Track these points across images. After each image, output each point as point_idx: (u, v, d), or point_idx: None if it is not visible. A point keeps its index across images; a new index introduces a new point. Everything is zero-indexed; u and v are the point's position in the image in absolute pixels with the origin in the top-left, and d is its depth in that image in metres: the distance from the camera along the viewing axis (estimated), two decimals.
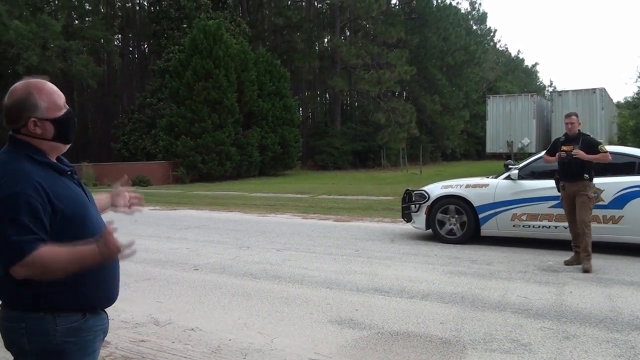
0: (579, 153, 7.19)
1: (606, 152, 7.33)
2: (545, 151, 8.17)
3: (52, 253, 1.98)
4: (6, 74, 35.23)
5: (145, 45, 53.15)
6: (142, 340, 4.76)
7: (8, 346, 2.19)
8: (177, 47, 34.92)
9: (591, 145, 7.32)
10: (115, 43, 48.30)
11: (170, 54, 35.26)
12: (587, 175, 7.24)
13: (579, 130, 7.56)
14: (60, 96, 2.21)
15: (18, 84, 2.18)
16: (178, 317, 5.46)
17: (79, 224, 2.15)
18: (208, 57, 30.37)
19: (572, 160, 7.27)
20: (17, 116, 2.13)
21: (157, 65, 37.59)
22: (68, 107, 2.26)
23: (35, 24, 30.84)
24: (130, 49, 56.62)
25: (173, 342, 4.72)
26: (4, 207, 1.96)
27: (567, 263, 7.44)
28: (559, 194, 8.40)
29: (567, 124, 7.59)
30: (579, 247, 7.30)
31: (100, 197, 2.61)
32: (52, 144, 2.19)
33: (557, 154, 7.51)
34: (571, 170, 7.33)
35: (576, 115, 7.64)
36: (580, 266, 7.14)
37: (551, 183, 8.41)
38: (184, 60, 31.32)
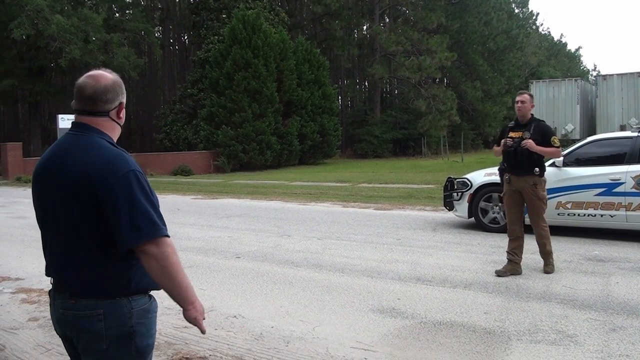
0: (528, 143, 6.20)
1: (559, 146, 6.42)
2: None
3: (177, 255, 2.13)
4: (49, 67, 36.04)
5: (186, 37, 53.74)
6: (185, 327, 4.82)
7: (75, 336, 2.20)
8: (216, 37, 35.13)
9: (544, 135, 6.33)
10: (156, 35, 48.86)
11: (210, 45, 35.49)
12: (537, 169, 6.27)
13: (531, 115, 6.52)
14: None
15: (102, 71, 2.28)
16: (220, 304, 5.53)
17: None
18: (247, 47, 30.47)
19: (519, 150, 6.28)
20: (113, 97, 2.25)
21: (197, 56, 37.91)
22: None
23: (77, 17, 31.34)
24: (171, 40, 57.34)
25: (216, 329, 4.78)
26: (131, 183, 2.07)
27: (499, 274, 6.35)
28: (601, 181, 8.18)
29: (517, 102, 6.45)
30: (516, 255, 6.42)
31: None
32: (119, 131, 2.35)
33: (503, 141, 6.47)
34: (517, 162, 6.33)
35: (530, 95, 6.54)
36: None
37: (597, 170, 8.24)
38: (224, 50, 31.49)
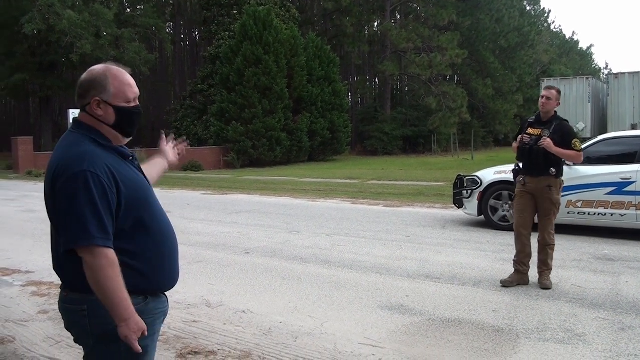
0: (545, 142, 5.66)
1: (580, 150, 5.89)
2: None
3: (115, 269, 2.02)
4: (61, 62, 36.17)
5: (196, 32, 53.87)
6: (194, 321, 4.86)
7: (68, 327, 2.26)
8: (227, 33, 35.16)
9: (564, 136, 5.79)
10: (167, 30, 48.94)
11: (220, 41, 35.53)
12: (553, 170, 5.74)
13: (555, 112, 5.96)
14: (132, 90, 2.26)
15: (98, 65, 2.26)
16: (229, 299, 5.55)
17: (141, 208, 2.21)
18: (258, 43, 30.46)
19: (535, 148, 5.76)
20: (84, 92, 2.20)
21: (207, 52, 37.94)
22: (139, 105, 2.31)
23: (88, 13, 31.44)
24: (182, 36, 57.42)
25: (224, 324, 4.80)
26: (75, 185, 2.00)
27: (505, 284, 5.87)
28: (611, 180, 8.12)
29: (542, 97, 5.88)
30: (524, 265, 5.92)
31: (155, 161, 2.76)
32: (112, 131, 2.24)
33: (519, 137, 5.99)
34: (531, 161, 5.83)
35: (558, 91, 5.92)
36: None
37: (608, 169, 8.21)
38: (235, 46, 31.50)
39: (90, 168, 2.02)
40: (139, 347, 2.08)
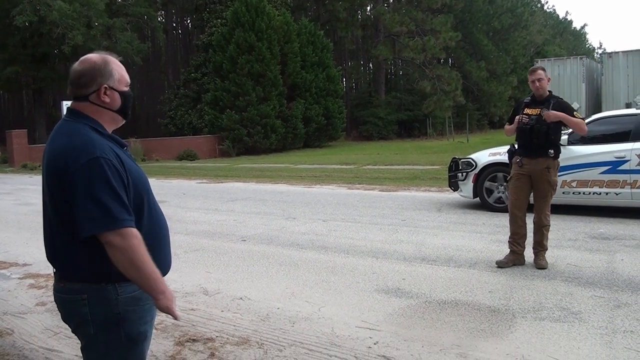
0: (551, 113, 5.61)
1: (583, 119, 5.81)
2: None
3: (144, 246, 2.07)
4: (52, 54, 35.91)
5: (188, 20, 53.50)
6: (192, 309, 4.87)
7: (66, 318, 2.27)
8: (219, 20, 34.96)
9: (564, 111, 5.74)
10: (159, 19, 48.61)
11: (213, 28, 35.33)
12: (552, 151, 5.70)
13: (549, 91, 5.90)
14: (126, 74, 2.31)
15: (92, 54, 2.25)
16: (227, 286, 5.57)
17: (143, 195, 2.23)
18: (251, 30, 30.34)
19: (536, 127, 5.67)
20: (89, 81, 2.19)
21: (200, 40, 37.76)
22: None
23: (79, 3, 31.17)
24: (174, 24, 57.04)
25: (222, 311, 4.82)
26: (91, 171, 2.01)
27: (500, 265, 5.87)
28: (606, 159, 8.13)
29: (533, 81, 5.81)
30: (520, 245, 5.92)
31: None
32: (115, 115, 2.27)
33: (517, 118, 5.86)
34: (532, 142, 5.73)
35: (543, 69, 5.88)
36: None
37: (602, 148, 8.22)
38: (227, 33, 31.38)
39: (103, 154, 2.04)
40: (179, 314, 2.19)
